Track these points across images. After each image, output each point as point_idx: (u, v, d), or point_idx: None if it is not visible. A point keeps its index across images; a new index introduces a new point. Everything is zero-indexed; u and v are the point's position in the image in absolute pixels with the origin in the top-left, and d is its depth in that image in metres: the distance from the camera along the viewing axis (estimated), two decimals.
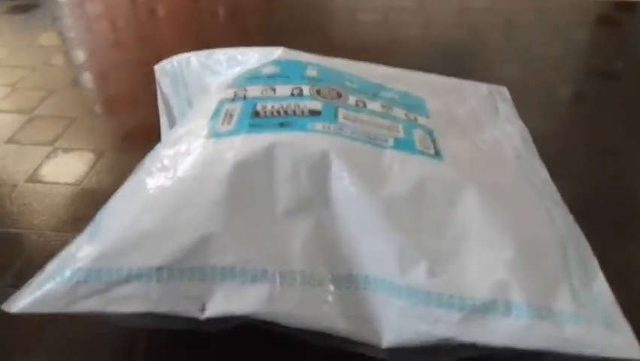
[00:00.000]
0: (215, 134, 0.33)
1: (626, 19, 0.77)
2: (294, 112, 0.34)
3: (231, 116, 0.34)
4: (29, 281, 0.30)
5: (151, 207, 0.30)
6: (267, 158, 0.31)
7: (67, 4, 0.86)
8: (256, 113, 0.34)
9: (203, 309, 0.29)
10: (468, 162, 0.34)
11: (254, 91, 0.37)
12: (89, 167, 0.48)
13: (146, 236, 0.29)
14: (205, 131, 0.34)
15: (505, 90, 0.47)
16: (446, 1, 0.82)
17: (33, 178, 0.47)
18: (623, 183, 0.45)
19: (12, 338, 0.33)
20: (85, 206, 0.43)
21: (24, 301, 0.28)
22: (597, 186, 0.45)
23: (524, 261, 0.29)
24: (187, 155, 0.32)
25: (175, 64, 0.48)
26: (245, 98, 0.36)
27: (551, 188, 0.36)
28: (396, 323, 0.28)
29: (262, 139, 0.31)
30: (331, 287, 0.29)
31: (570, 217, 0.34)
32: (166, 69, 0.47)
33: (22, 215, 0.43)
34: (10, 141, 0.52)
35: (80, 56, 0.71)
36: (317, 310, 0.29)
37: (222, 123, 0.34)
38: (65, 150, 0.50)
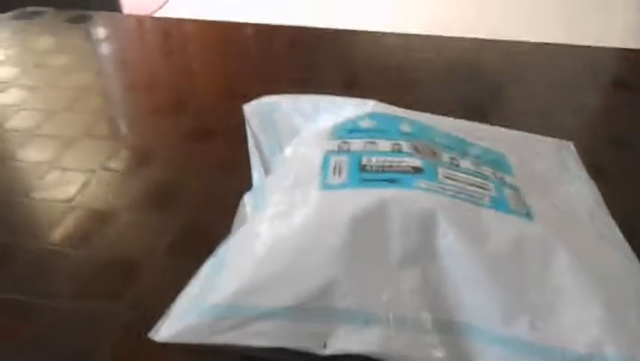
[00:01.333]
0: (328, 186, 0.37)
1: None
2: (399, 168, 0.38)
3: (340, 168, 0.38)
4: (168, 312, 0.34)
5: (276, 252, 0.34)
6: (380, 212, 0.34)
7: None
8: (363, 167, 0.38)
9: (324, 346, 0.32)
10: (554, 220, 0.37)
11: (356, 145, 0.40)
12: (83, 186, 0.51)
13: (276, 278, 0.33)
14: (317, 183, 0.37)
15: (571, 145, 0.50)
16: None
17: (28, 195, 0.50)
18: None
19: None
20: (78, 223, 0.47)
21: (169, 331, 0.32)
22: None
23: (613, 316, 0.32)
24: (302, 205, 0.36)
25: (263, 104, 0.52)
26: (349, 151, 0.40)
27: (625, 244, 0.39)
28: None
29: (374, 194, 0.35)
30: (436, 333, 0.33)
31: None
32: (255, 109, 0.52)
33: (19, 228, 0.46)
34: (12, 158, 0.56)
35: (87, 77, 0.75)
36: (424, 354, 0.32)
37: (333, 175, 0.38)
38: (63, 170, 0.53)
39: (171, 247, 0.45)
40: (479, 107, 0.67)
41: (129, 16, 0.93)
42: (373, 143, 0.41)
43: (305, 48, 0.84)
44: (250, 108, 0.52)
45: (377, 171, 0.37)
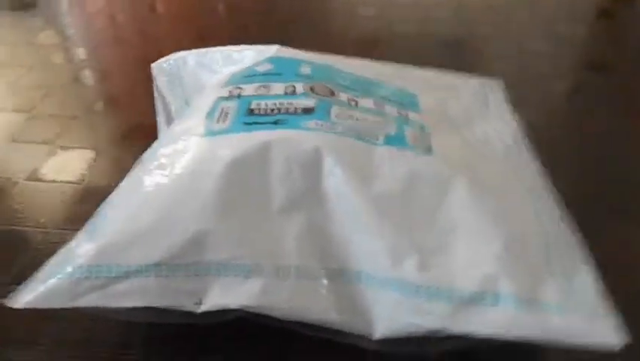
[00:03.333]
0: (210, 132, 0.34)
1: (623, 12, 0.77)
2: (288, 110, 0.35)
3: (227, 114, 0.35)
4: (31, 277, 0.31)
5: (148, 205, 0.31)
6: (261, 156, 0.31)
7: (66, 1, 0.87)
8: (251, 111, 0.35)
9: (199, 303, 0.29)
10: (458, 157, 0.35)
11: (249, 89, 0.37)
12: (89, 165, 0.49)
13: (143, 233, 0.30)
14: (201, 130, 0.34)
15: (498, 84, 0.47)
16: None
17: (33, 176, 0.47)
18: (615, 167, 0.46)
19: (14, 332, 0.34)
20: (84, 203, 0.44)
21: (27, 296, 0.29)
22: (591, 171, 0.46)
23: (512, 254, 0.29)
24: (183, 153, 0.33)
25: (172, 62, 0.48)
26: (239, 96, 0.37)
27: (540, 182, 0.37)
28: (387, 316, 0.29)
29: (256, 137, 0.32)
30: (324, 281, 0.30)
31: (558, 211, 0.34)
32: (163, 68, 0.48)
33: (23, 212, 0.43)
34: (11, 139, 0.52)
35: (80, 53, 0.71)
36: (310, 303, 0.30)
37: (218, 121, 0.34)
38: (65, 148, 0.51)
39: None
40: (457, 42, 0.67)
41: None
42: (266, 87, 0.37)
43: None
44: (158, 67, 0.49)
45: (264, 115, 0.34)
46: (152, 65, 0.49)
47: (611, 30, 0.72)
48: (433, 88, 0.44)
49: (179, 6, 0.86)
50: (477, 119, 0.41)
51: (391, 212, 0.30)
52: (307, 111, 0.34)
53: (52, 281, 0.30)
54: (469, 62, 0.65)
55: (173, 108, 0.47)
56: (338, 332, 0.30)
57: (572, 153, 0.49)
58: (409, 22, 0.76)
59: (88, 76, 0.65)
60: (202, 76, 0.46)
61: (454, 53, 0.67)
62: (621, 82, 0.59)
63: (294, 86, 0.37)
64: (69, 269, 0.30)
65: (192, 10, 0.84)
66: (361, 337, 0.30)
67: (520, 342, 0.28)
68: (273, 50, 0.43)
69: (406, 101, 0.40)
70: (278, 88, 0.37)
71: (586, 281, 0.29)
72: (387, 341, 0.29)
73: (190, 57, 0.48)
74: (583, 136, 0.50)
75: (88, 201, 0.45)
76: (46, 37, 0.74)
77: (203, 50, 0.48)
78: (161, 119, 0.47)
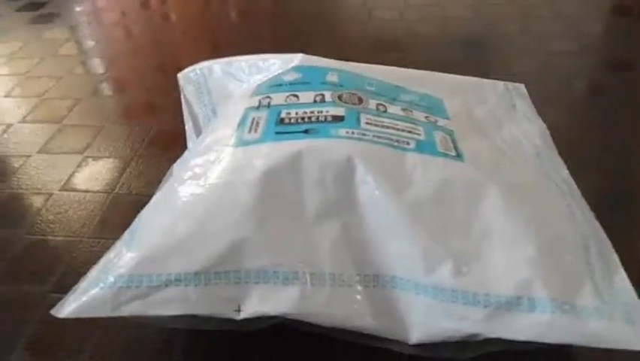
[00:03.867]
0: (243, 142, 0.34)
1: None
2: (318, 118, 0.35)
3: (257, 124, 0.36)
4: (74, 287, 0.32)
5: (185, 214, 0.32)
6: (294, 164, 0.32)
7: (84, 13, 0.89)
8: (281, 121, 0.35)
9: (239, 310, 0.30)
10: (489, 161, 0.35)
11: (277, 98, 0.38)
12: (119, 174, 0.50)
13: (182, 243, 0.31)
14: (233, 140, 0.35)
15: (522, 87, 0.47)
16: None
17: (67, 187, 0.49)
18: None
19: (58, 341, 0.34)
20: (118, 212, 0.45)
21: (71, 306, 0.30)
22: (614, 176, 0.46)
23: (547, 258, 0.29)
24: (217, 163, 0.34)
25: (198, 72, 0.49)
26: (269, 105, 0.37)
27: (571, 184, 0.37)
28: (423, 320, 0.30)
29: (288, 146, 0.33)
30: (359, 287, 0.30)
31: (590, 213, 0.34)
32: (189, 77, 0.49)
33: (59, 223, 0.45)
34: (43, 150, 0.54)
35: (99, 64, 0.73)
36: (346, 309, 0.30)
37: (249, 131, 0.35)
38: (95, 158, 0.52)
39: None
40: (480, 42, 0.67)
41: None
42: (296, 95, 0.38)
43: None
44: (184, 76, 0.49)
45: (295, 124, 0.35)
46: (179, 74, 0.50)
47: (634, 28, 0.71)
48: (458, 92, 0.44)
49: (192, 15, 0.87)
50: (504, 122, 0.42)
51: (425, 218, 0.31)
52: (337, 119, 0.35)
53: (94, 291, 0.30)
54: (489, 60, 0.65)
55: (200, 117, 0.48)
56: (375, 337, 0.30)
57: (595, 153, 0.49)
58: (427, 23, 0.76)
59: (108, 87, 0.67)
60: (229, 85, 0.47)
61: (474, 53, 0.67)
62: None
63: (322, 95, 0.37)
64: (111, 279, 0.30)
65: (205, 18, 0.85)
66: (398, 342, 0.30)
67: (556, 344, 0.28)
68: (298, 58, 0.43)
69: (433, 107, 0.40)
70: (307, 96, 0.38)
71: (623, 285, 0.29)
72: (423, 346, 0.30)
73: (216, 66, 0.49)
74: (606, 136, 0.50)
75: (120, 209, 0.46)
76: (68, 49, 0.76)
77: (228, 59, 0.49)
78: (189, 127, 0.48)
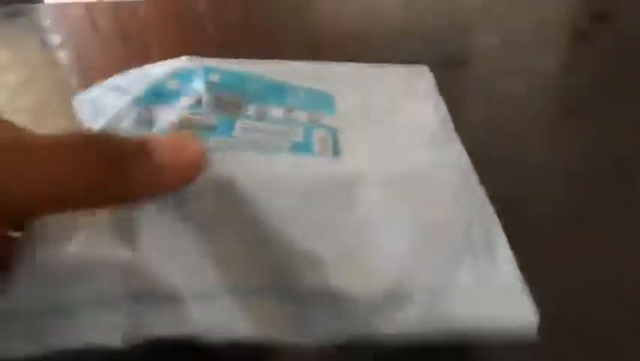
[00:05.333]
0: None
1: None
2: (190, 128, 0.33)
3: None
4: None
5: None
6: None
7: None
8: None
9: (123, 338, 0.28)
10: (371, 153, 0.33)
11: (156, 109, 0.36)
12: None
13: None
14: None
15: (425, 70, 0.46)
16: None
17: None
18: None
19: None
20: None
21: None
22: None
23: (425, 245, 0.28)
24: None
25: (92, 92, 0.47)
26: (150, 120, 0.35)
27: (465, 164, 0.35)
28: (303, 327, 0.28)
29: None
30: (231, 299, 0.29)
31: (479, 187, 0.34)
32: (83, 100, 0.47)
33: None
34: None
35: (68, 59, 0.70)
36: (226, 321, 0.28)
37: None
38: None
39: None
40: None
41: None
42: (172, 103, 0.36)
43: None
44: (78, 102, 0.47)
45: None
46: (73, 100, 0.47)
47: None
48: (356, 83, 0.42)
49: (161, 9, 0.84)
50: (402, 107, 0.40)
51: (295, 222, 0.29)
52: (210, 129, 0.33)
53: None
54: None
55: None
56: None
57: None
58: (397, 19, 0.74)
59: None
60: (118, 100, 0.45)
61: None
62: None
63: (199, 100, 0.36)
64: None
65: (177, 19, 0.83)
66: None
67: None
68: (181, 61, 0.42)
69: (321, 103, 0.38)
70: (184, 102, 0.36)
71: (506, 266, 0.28)
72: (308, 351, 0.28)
73: (109, 82, 0.47)
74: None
75: None
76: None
77: (121, 74, 0.47)
78: None
